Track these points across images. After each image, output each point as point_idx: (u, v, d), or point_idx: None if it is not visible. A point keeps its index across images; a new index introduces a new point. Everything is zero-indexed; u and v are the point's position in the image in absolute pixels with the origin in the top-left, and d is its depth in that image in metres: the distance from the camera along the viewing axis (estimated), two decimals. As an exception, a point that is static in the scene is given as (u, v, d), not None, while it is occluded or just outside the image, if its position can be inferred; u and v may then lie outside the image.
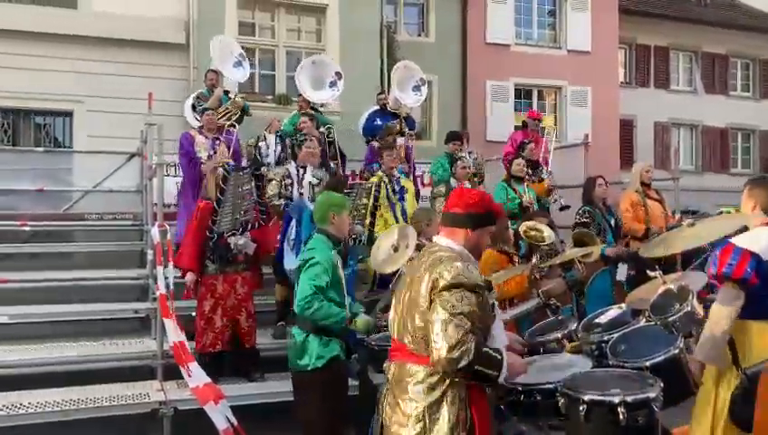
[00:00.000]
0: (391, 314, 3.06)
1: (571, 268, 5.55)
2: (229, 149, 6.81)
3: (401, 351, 2.92)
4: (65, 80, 10.27)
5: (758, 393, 3.06)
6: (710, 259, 3.46)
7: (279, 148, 7.77)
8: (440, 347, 2.65)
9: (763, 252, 3.17)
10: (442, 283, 2.73)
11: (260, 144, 7.70)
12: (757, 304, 3.16)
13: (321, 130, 8.00)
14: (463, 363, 2.64)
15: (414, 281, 2.90)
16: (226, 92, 8.31)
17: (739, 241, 3.25)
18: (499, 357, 2.76)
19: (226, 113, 8.01)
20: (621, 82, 18.21)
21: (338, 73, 8.57)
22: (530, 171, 8.00)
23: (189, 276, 5.69)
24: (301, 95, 8.56)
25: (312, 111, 8.32)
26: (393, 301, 3.08)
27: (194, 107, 8.19)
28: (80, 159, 10.20)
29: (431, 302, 2.75)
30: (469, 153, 8.20)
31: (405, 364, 2.88)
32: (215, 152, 6.76)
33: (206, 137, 7.01)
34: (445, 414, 2.75)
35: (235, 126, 7.48)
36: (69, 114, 10.90)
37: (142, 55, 10.60)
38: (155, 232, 5.76)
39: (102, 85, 10.33)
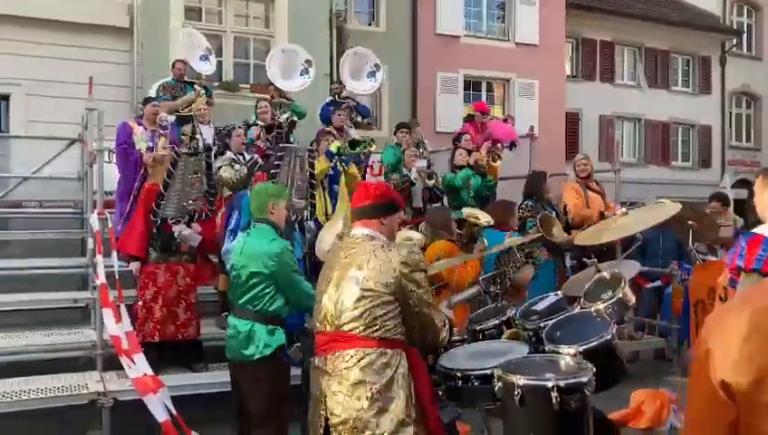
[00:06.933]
0: (321, 309, 3.05)
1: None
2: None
3: (339, 340, 2.94)
4: (2, 62, 9.88)
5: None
6: (733, 251, 3.31)
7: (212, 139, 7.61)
8: (433, 336, 3.08)
9: None
10: (410, 269, 2.95)
11: (196, 136, 7.54)
12: None
13: (286, 116, 7.97)
14: (446, 341, 3.19)
15: (351, 270, 2.95)
16: (191, 84, 8.14)
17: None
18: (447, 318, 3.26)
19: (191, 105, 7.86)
20: (568, 76, 18.54)
21: (308, 61, 8.53)
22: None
23: (135, 265, 5.59)
24: (272, 84, 8.51)
25: (284, 100, 8.31)
26: (320, 297, 3.09)
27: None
28: (17, 145, 9.87)
29: (401, 287, 2.92)
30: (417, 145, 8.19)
31: (345, 352, 2.89)
32: (155, 144, 6.63)
33: (146, 128, 6.82)
34: (398, 391, 2.85)
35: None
36: (5, 98, 10.48)
37: (84, 38, 10.25)
38: (94, 220, 5.61)
39: (42, 68, 9.96)
